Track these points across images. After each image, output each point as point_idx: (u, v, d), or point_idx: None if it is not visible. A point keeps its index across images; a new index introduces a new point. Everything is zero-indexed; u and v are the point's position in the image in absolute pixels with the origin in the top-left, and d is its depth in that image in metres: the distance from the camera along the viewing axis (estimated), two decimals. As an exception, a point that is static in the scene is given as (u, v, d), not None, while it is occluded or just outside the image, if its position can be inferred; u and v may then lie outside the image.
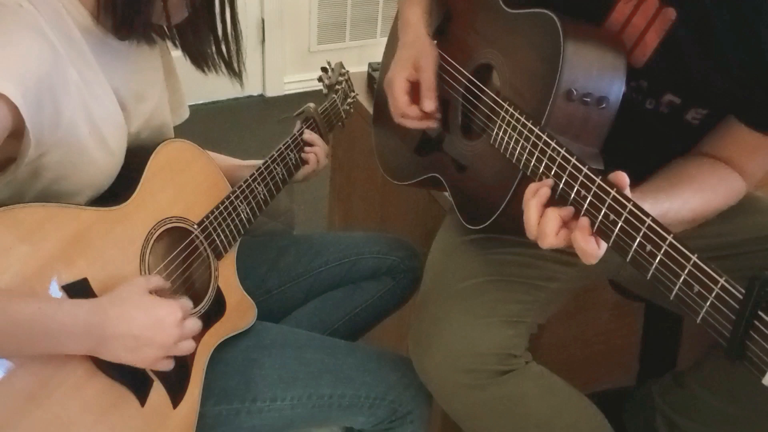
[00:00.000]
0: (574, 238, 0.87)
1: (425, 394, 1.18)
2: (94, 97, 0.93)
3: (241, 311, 1.16)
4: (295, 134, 1.31)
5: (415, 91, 1.18)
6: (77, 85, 0.90)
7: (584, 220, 0.87)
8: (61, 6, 0.90)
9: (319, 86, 1.54)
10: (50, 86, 0.85)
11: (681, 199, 0.98)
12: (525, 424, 1.10)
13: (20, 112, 0.79)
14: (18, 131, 0.83)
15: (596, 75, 0.98)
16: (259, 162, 1.24)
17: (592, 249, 0.86)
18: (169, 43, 1.08)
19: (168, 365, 0.95)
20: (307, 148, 1.31)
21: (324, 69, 1.54)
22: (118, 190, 1.00)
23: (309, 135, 1.32)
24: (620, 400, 1.42)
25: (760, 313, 0.69)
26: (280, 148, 1.27)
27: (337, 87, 1.49)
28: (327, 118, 1.41)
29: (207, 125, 2.95)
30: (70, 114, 0.89)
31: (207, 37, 1.03)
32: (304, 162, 1.31)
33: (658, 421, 1.32)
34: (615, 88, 0.99)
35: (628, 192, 0.86)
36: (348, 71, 1.54)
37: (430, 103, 1.16)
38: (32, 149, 0.84)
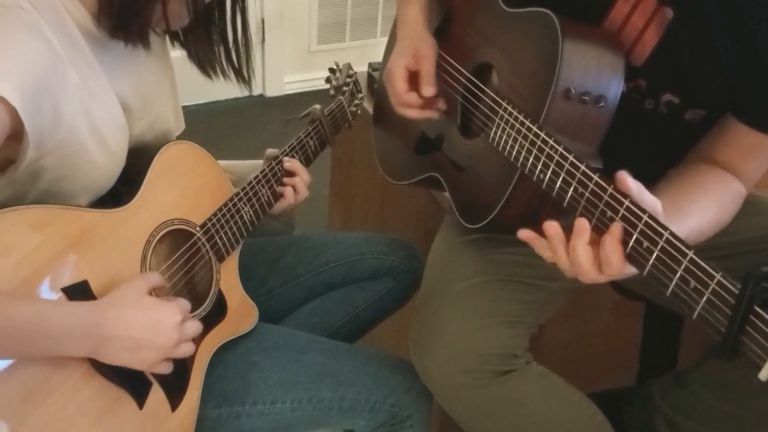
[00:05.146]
0: (603, 244, 0.84)
1: (425, 398, 1.18)
2: (94, 98, 0.93)
3: (242, 314, 1.16)
4: (304, 133, 1.30)
5: (414, 81, 1.18)
6: (77, 86, 0.90)
7: (617, 226, 0.84)
8: (62, 6, 0.90)
9: (318, 86, 1.54)
10: (49, 88, 0.84)
11: (700, 213, 0.96)
12: (525, 424, 1.10)
13: (19, 114, 0.79)
14: (17, 133, 0.82)
15: (594, 74, 0.98)
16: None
17: (617, 260, 0.83)
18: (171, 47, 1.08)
19: (167, 368, 0.95)
20: (285, 179, 1.24)
21: (332, 70, 1.54)
22: (121, 191, 1.00)
23: (290, 163, 1.25)
24: (620, 400, 1.42)
25: (756, 308, 0.69)
26: (285, 149, 1.26)
27: (344, 88, 1.48)
28: (333, 120, 1.40)
29: (207, 125, 2.95)
30: (70, 116, 0.89)
31: (217, 45, 1.03)
32: (282, 194, 1.24)
33: (658, 421, 1.32)
34: (613, 87, 0.98)
35: (645, 195, 0.84)
36: (356, 72, 1.54)
37: (429, 89, 1.16)
38: (31, 151, 0.84)
